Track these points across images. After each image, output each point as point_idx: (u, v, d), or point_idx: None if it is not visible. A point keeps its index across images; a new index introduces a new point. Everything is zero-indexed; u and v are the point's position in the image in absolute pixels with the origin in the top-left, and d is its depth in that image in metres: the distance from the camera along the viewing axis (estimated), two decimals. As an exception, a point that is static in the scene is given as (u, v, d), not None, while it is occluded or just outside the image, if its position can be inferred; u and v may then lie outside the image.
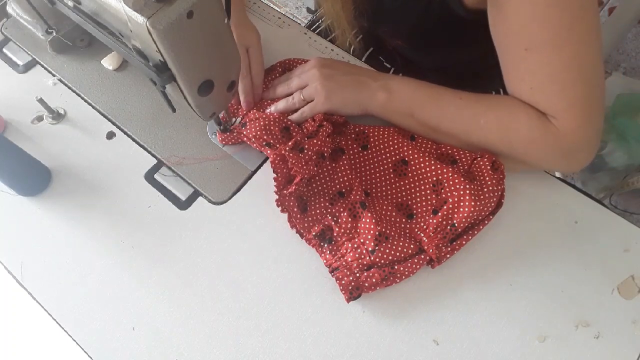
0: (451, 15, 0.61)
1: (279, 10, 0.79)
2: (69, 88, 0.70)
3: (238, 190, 0.62)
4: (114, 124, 0.67)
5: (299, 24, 0.79)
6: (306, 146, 0.57)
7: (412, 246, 0.54)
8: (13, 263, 0.58)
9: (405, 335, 0.52)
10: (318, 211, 0.58)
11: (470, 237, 0.55)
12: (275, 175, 0.57)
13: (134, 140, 0.66)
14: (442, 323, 0.53)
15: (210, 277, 0.56)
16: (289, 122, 0.60)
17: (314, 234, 0.56)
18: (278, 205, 0.57)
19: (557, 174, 1.20)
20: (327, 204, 0.58)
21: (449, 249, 0.54)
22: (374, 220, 0.54)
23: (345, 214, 0.56)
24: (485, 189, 0.55)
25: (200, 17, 0.42)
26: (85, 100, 0.69)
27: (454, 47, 0.72)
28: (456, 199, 0.55)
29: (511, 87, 0.56)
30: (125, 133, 0.66)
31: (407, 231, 0.56)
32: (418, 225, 0.56)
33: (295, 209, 0.57)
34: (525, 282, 0.55)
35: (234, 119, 0.64)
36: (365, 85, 0.60)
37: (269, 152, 0.59)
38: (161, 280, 0.56)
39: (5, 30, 0.75)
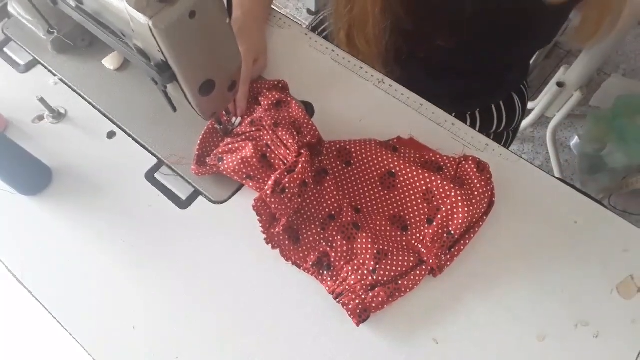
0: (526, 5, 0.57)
1: (279, 11, 0.79)
2: (70, 88, 0.70)
3: (238, 189, 0.62)
4: (114, 123, 0.67)
5: (300, 24, 0.79)
6: (287, 185, 0.53)
7: (411, 259, 0.54)
8: (14, 262, 0.58)
9: (405, 335, 0.53)
10: (311, 239, 0.57)
11: (467, 242, 0.56)
12: (259, 218, 0.56)
13: (134, 139, 0.66)
14: (442, 322, 0.53)
15: (210, 276, 0.56)
16: (265, 150, 0.58)
17: (311, 263, 0.55)
18: (268, 243, 0.56)
19: (557, 174, 1.20)
20: (319, 229, 0.57)
21: (449, 256, 0.54)
22: (370, 239, 0.54)
23: (339, 237, 0.55)
24: (476, 192, 0.55)
25: (202, 17, 0.42)
26: (86, 100, 0.69)
27: (499, 48, 0.69)
28: (449, 206, 0.54)
29: None
30: (125, 132, 0.66)
31: (404, 244, 0.56)
32: (414, 237, 0.56)
33: (287, 242, 0.56)
34: (525, 282, 0.55)
35: (234, 119, 0.64)
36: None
37: (250, 184, 0.58)
38: (161, 279, 0.56)
39: (7, 29, 0.76)
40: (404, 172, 0.57)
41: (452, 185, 0.55)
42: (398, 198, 0.58)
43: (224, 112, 0.63)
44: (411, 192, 0.58)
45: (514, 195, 0.60)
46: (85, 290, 0.56)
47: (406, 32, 0.71)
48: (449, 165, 0.58)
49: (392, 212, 0.58)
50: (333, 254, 0.55)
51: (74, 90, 0.70)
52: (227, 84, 0.54)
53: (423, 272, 0.54)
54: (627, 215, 0.60)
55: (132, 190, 0.62)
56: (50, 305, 0.56)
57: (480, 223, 0.56)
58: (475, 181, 0.55)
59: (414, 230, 0.56)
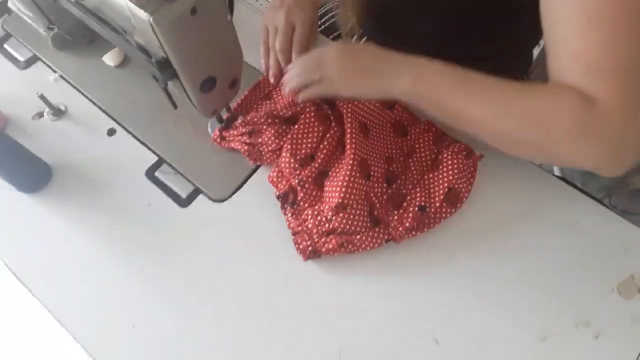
0: None
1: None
2: (70, 84, 0.70)
3: (239, 188, 0.61)
4: (115, 120, 0.67)
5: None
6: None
7: (367, 219, 0.55)
8: (12, 259, 0.58)
9: (405, 335, 0.52)
10: (287, 171, 0.58)
11: (437, 219, 0.57)
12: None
13: (135, 137, 0.66)
14: (442, 323, 0.53)
15: (210, 274, 0.56)
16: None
17: (277, 194, 0.58)
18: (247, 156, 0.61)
19: (557, 174, 1.20)
20: (297, 165, 0.57)
21: (411, 228, 0.55)
22: (336, 190, 0.55)
23: (311, 180, 0.57)
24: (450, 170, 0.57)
25: (203, 13, 0.42)
26: (87, 97, 0.69)
27: (486, 36, 0.69)
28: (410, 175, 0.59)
29: (560, 66, 0.50)
30: (126, 130, 0.66)
31: (364, 194, 0.56)
32: (373, 191, 0.57)
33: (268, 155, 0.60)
34: (525, 282, 0.55)
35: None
36: (392, 68, 0.56)
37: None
38: (161, 277, 0.56)
39: (7, 26, 0.75)
40: (374, 128, 0.62)
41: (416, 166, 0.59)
42: (370, 147, 0.60)
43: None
44: (379, 149, 0.60)
45: (515, 195, 0.60)
46: (85, 288, 0.56)
47: (388, 22, 0.73)
48: (412, 131, 0.62)
49: (364, 156, 0.58)
50: (301, 195, 0.57)
51: (75, 87, 0.70)
52: (228, 82, 0.54)
53: (381, 235, 0.55)
54: (628, 215, 0.60)
55: (133, 188, 0.62)
56: (49, 302, 0.55)
57: (458, 205, 0.57)
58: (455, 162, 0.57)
59: (374, 182, 0.58)
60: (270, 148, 0.60)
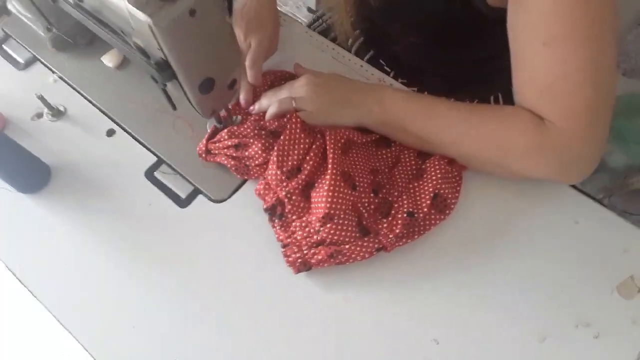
0: (472, 11, 0.60)
1: (279, 9, 0.79)
2: (70, 85, 0.70)
3: (238, 188, 0.61)
4: (114, 121, 0.67)
5: (300, 23, 0.79)
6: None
7: (356, 229, 0.55)
8: (12, 260, 0.58)
9: (405, 335, 0.52)
10: (274, 183, 0.57)
11: (426, 226, 0.56)
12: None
13: (134, 137, 0.66)
14: (442, 323, 0.53)
15: (210, 275, 0.56)
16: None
17: (264, 207, 0.57)
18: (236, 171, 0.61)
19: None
20: (283, 177, 0.57)
21: (401, 236, 0.55)
22: (323, 201, 0.54)
23: (298, 191, 0.56)
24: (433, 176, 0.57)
25: (202, 15, 0.42)
26: (86, 98, 0.69)
27: (468, 45, 0.71)
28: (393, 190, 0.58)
29: (519, 86, 0.54)
30: (125, 130, 0.66)
31: (351, 205, 0.55)
32: (360, 201, 0.56)
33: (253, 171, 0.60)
34: (525, 282, 0.55)
35: (234, 117, 0.64)
36: (359, 101, 0.59)
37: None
38: (161, 278, 0.56)
39: (6, 27, 0.75)
40: (359, 141, 0.60)
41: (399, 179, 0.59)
42: (352, 161, 0.59)
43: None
44: (363, 161, 0.60)
45: (514, 195, 0.60)
46: (85, 289, 0.56)
47: (378, 32, 0.75)
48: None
49: (345, 169, 0.58)
50: (289, 207, 0.56)
51: (74, 88, 0.70)
52: (227, 82, 0.54)
53: (370, 244, 0.54)
54: (628, 215, 0.60)
55: (132, 188, 0.62)
56: (49, 303, 0.55)
57: (447, 211, 0.57)
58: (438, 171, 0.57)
59: (361, 192, 0.57)
60: (257, 162, 0.59)
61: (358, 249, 0.54)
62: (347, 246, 0.54)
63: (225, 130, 0.61)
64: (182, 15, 0.41)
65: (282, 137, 0.58)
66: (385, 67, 0.82)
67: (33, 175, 0.62)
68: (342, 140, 0.59)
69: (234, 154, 0.60)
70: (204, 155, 0.61)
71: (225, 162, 0.60)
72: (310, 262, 0.54)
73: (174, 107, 0.56)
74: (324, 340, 0.52)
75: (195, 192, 0.61)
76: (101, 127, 0.66)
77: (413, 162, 0.60)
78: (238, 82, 0.55)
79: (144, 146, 0.65)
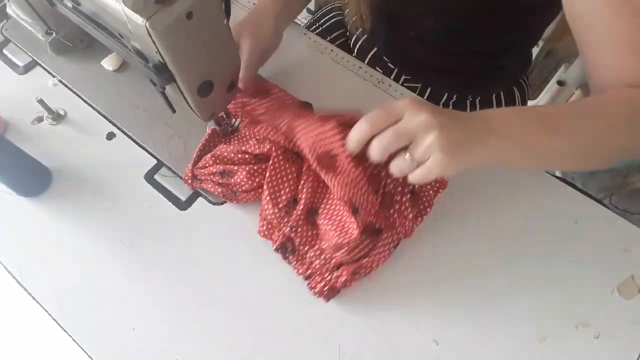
0: None
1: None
2: (69, 89, 0.70)
3: (238, 190, 0.61)
4: (114, 124, 0.67)
5: (299, 24, 0.79)
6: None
7: (368, 241, 0.53)
8: (13, 263, 0.58)
9: (405, 336, 0.52)
10: (275, 222, 0.56)
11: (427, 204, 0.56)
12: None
13: (134, 140, 0.66)
14: (442, 323, 0.53)
15: (209, 277, 0.56)
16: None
17: (274, 247, 0.56)
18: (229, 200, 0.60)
19: (557, 174, 1.20)
20: (282, 212, 0.56)
21: (411, 216, 0.55)
22: (333, 229, 0.53)
23: (302, 222, 0.55)
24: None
25: (199, 18, 0.42)
26: (85, 101, 0.69)
27: (489, 33, 0.70)
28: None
29: (615, 65, 0.50)
30: (125, 134, 0.66)
31: (358, 229, 0.52)
32: (366, 217, 0.52)
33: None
34: (525, 282, 0.55)
35: (233, 120, 0.64)
36: (472, 130, 0.45)
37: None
38: (161, 281, 0.56)
39: (5, 31, 0.76)
40: (342, 154, 0.51)
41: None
42: (341, 180, 0.52)
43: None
44: (352, 170, 0.52)
45: (514, 195, 0.60)
46: (85, 291, 0.56)
47: (395, 14, 0.72)
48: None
49: (341, 192, 0.52)
50: (298, 240, 0.55)
51: (73, 92, 0.70)
52: (226, 85, 0.54)
53: (387, 246, 0.54)
54: (628, 215, 0.60)
55: (132, 191, 0.62)
56: (49, 306, 0.55)
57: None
58: None
59: (363, 210, 0.52)
60: (243, 189, 0.58)
61: (377, 256, 0.54)
62: (365, 259, 0.53)
63: (209, 155, 0.59)
64: (179, 19, 0.41)
65: (267, 174, 0.56)
66: (389, 64, 0.82)
67: (33, 178, 0.62)
68: (324, 150, 0.52)
69: (220, 181, 0.59)
70: (190, 181, 0.60)
71: (212, 189, 0.60)
72: (336, 286, 0.53)
73: (173, 110, 0.56)
74: (325, 340, 0.52)
75: (195, 195, 0.62)
76: (101, 131, 0.67)
77: None
78: (236, 84, 0.55)
79: (144, 149, 0.65)
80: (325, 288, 0.53)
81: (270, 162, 0.57)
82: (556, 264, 0.56)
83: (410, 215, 0.55)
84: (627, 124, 0.49)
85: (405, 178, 0.47)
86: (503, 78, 0.84)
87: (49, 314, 0.55)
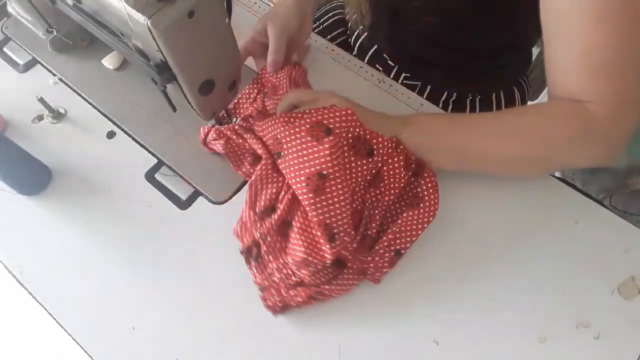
0: None
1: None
2: (70, 87, 0.70)
3: (238, 190, 0.61)
4: (114, 123, 0.67)
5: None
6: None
7: (332, 269, 0.52)
8: (13, 262, 0.58)
9: (405, 336, 0.52)
10: (248, 225, 0.56)
11: (405, 244, 0.54)
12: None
13: (134, 139, 0.66)
14: (442, 323, 0.53)
15: (210, 277, 0.56)
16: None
17: (240, 249, 0.55)
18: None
19: (557, 174, 1.20)
20: (256, 217, 0.55)
21: (383, 262, 0.54)
22: (300, 243, 0.52)
23: (273, 232, 0.54)
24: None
25: (201, 16, 0.42)
26: (86, 100, 0.69)
27: (488, 29, 0.71)
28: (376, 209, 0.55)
29: (566, 68, 0.52)
30: (125, 132, 0.66)
31: (329, 258, 0.51)
32: (342, 249, 0.52)
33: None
34: (525, 282, 0.55)
35: (234, 119, 0.64)
36: (386, 127, 0.56)
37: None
38: (161, 280, 0.56)
39: (6, 29, 0.75)
40: (334, 175, 0.51)
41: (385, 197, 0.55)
42: (325, 204, 0.51)
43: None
44: (340, 198, 0.51)
45: (514, 195, 0.60)
46: (85, 291, 0.56)
47: (395, 10, 0.73)
48: (381, 149, 0.54)
49: (320, 217, 0.51)
50: (264, 248, 0.54)
51: (74, 90, 0.70)
52: (227, 84, 0.54)
53: (350, 281, 0.53)
54: (628, 216, 0.60)
55: (132, 190, 0.62)
56: (49, 305, 0.55)
57: (421, 226, 0.54)
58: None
59: (340, 240, 0.51)
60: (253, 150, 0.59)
61: (338, 287, 0.53)
62: (326, 286, 0.52)
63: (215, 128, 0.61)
64: (181, 17, 0.41)
65: (252, 178, 0.56)
66: (389, 62, 0.82)
67: (34, 177, 0.62)
68: (313, 170, 0.51)
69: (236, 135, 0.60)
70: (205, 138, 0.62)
71: (223, 147, 0.60)
72: (290, 304, 0.52)
73: (174, 109, 0.56)
74: (325, 341, 0.52)
75: (196, 194, 0.62)
76: (101, 129, 0.67)
77: (398, 179, 0.55)
78: (237, 83, 0.55)
79: (145, 148, 0.65)
80: (279, 304, 0.52)
81: (259, 166, 0.56)
82: (556, 264, 0.56)
83: (385, 270, 0.54)
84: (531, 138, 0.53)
85: (394, 233, 0.54)
86: (503, 77, 0.84)
87: (49, 313, 0.55)
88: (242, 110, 0.65)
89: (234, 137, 0.60)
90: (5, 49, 0.75)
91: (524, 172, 0.59)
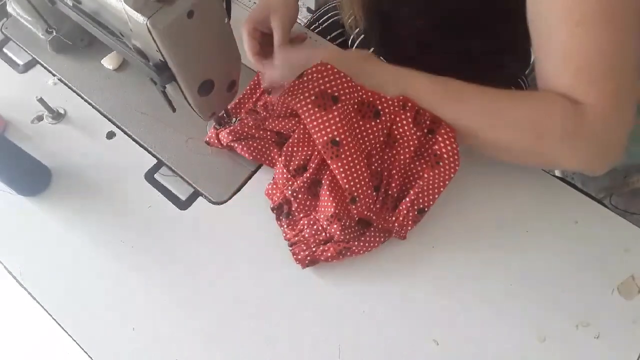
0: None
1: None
2: (69, 88, 0.70)
3: (238, 190, 0.62)
4: (114, 123, 0.67)
5: (299, 23, 0.79)
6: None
7: (359, 226, 0.55)
8: (13, 263, 0.58)
9: (405, 336, 0.52)
10: (280, 182, 0.57)
11: (429, 200, 0.55)
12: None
13: (134, 140, 0.66)
14: (442, 323, 0.53)
15: (210, 277, 0.56)
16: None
17: (271, 206, 0.58)
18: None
19: (557, 174, 1.20)
20: (289, 175, 0.57)
21: (405, 218, 0.54)
22: (330, 199, 0.53)
23: (304, 190, 0.56)
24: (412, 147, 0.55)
25: (200, 16, 0.42)
26: (86, 100, 0.69)
27: (478, 33, 0.70)
28: (392, 170, 0.55)
29: (551, 71, 0.52)
30: (125, 133, 0.66)
31: (355, 216, 0.54)
32: (364, 209, 0.54)
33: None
34: (526, 282, 0.55)
35: (233, 119, 0.64)
36: (377, 81, 0.55)
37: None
38: (161, 280, 0.56)
39: (6, 29, 0.75)
40: (346, 140, 0.52)
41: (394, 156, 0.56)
42: (342, 169, 0.53)
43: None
44: (355, 162, 0.53)
45: (514, 195, 0.60)
46: (85, 292, 0.56)
47: (387, 14, 0.73)
48: (386, 108, 0.54)
49: (342, 182, 0.53)
50: (295, 205, 0.56)
51: (74, 91, 0.70)
52: (226, 84, 0.54)
53: (378, 238, 0.55)
54: (628, 215, 0.60)
55: (132, 190, 0.62)
56: (49, 306, 0.55)
57: (442, 183, 0.54)
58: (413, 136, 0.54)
59: (361, 202, 0.53)
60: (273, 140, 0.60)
61: (367, 244, 0.55)
62: (355, 242, 0.54)
63: (227, 129, 0.61)
64: (180, 17, 0.41)
65: (290, 139, 0.58)
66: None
67: (33, 177, 0.62)
68: (326, 139, 0.52)
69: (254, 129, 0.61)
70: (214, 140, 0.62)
71: (246, 148, 0.61)
72: (319, 258, 0.54)
73: (174, 109, 0.56)
74: (325, 341, 0.52)
75: (196, 194, 0.62)
76: (101, 130, 0.67)
77: (411, 141, 0.54)
78: (237, 84, 0.55)
79: (144, 148, 0.65)
80: (308, 258, 0.54)
81: (296, 129, 0.58)
82: (556, 264, 0.56)
83: (410, 228, 0.55)
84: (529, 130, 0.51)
85: (416, 193, 0.54)
86: (501, 78, 0.84)
87: (48, 314, 0.55)
88: (242, 110, 0.65)
89: (253, 131, 0.61)
90: (4, 50, 0.75)
91: (513, 160, 0.57)
